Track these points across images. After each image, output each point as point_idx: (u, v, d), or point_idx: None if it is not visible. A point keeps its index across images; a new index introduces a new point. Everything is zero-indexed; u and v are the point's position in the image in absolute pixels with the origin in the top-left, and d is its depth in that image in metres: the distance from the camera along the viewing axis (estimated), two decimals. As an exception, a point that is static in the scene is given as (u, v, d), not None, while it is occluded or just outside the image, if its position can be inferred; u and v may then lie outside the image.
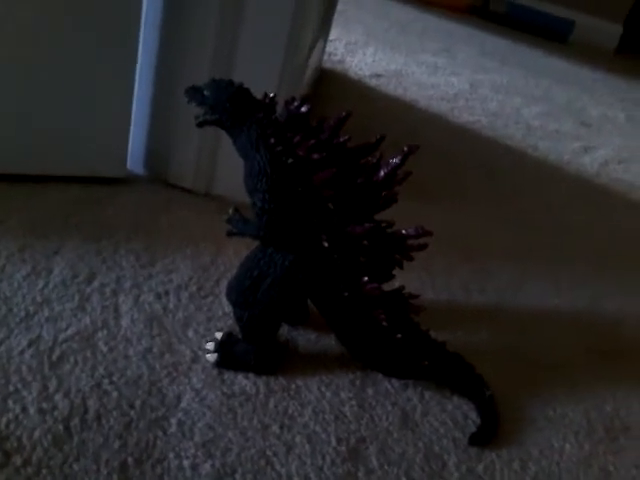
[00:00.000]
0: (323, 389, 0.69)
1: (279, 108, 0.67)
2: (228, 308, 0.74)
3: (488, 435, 0.68)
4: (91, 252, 0.79)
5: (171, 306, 0.75)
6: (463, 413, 0.71)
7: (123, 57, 0.87)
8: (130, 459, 0.56)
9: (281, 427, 0.64)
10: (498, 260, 1.02)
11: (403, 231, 0.66)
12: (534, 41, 2.61)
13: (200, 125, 0.68)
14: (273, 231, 0.64)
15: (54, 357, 0.64)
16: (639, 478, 0.68)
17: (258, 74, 0.90)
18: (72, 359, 0.65)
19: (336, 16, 1.67)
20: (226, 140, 0.69)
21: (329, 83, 1.60)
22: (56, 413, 0.59)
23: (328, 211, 0.64)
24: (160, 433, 0.60)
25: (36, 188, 0.87)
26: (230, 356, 0.68)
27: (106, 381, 0.63)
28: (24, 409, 0.58)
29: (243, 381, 0.68)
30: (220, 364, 0.68)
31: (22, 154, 0.88)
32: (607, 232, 1.22)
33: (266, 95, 0.67)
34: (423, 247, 0.66)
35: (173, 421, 0.61)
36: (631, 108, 2.07)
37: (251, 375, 0.68)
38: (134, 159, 0.98)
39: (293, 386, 0.69)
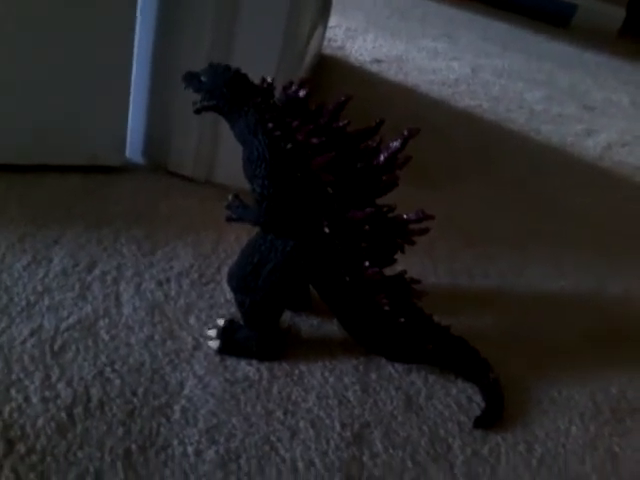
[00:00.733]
0: (326, 374, 0.69)
1: (277, 93, 0.66)
2: (230, 295, 0.73)
3: (493, 418, 0.68)
4: (91, 241, 0.79)
5: (172, 293, 0.74)
6: (467, 396, 0.71)
7: (120, 44, 0.86)
8: (134, 446, 0.56)
9: (285, 412, 0.63)
10: (501, 244, 1.02)
11: (404, 215, 0.66)
12: (536, 25, 2.58)
13: (198, 111, 0.67)
14: (273, 217, 0.64)
15: (56, 346, 0.64)
16: (645, 459, 0.67)
17: (257, 59, 0.89)
18: (74, 348, 0.64)
19: (336, 2, 1.65)
20: (226, 127, 0.68)
21: (329, 69, 1.58)
22: (59, 401, 0.59)
23: (328, 196, 0.64)
24: (163, 420, 0.60)
25: (35, 178, 0.87)
26: (232, 343, 0.68)
27: (108, 369, 0.63)
28: (27, 398, 0.58)
29: (246, 367, 0.67)
30: (222, 351, 0.68)
31: (20, 144, 0.88)
32: (610, 215, 1.22)
33: (264, 80, 0.66)
34: (425, 231, 0.66)
35: (176, 408, 0.61)
36: (635, 91, 2.06)
37: (254, 361, 0.68)
38: (133, 147, 0.98)
39: (296, 372, 0.68)
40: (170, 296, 0.74)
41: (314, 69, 1.50)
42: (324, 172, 0.63)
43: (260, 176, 0.63)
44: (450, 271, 0.92)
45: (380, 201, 0.66)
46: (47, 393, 0.59)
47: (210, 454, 0.57)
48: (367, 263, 0.65)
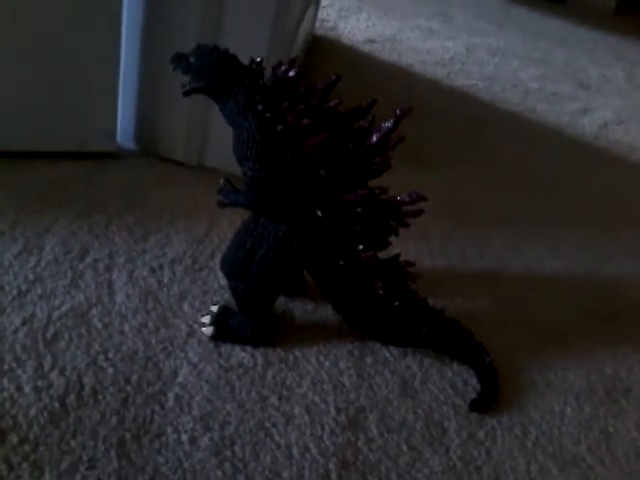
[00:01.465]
0: (321, 359, 0.69)
1: (267, 74, 0.65)
2: (223, 281, 0.73)
3: (488, 401, 0.67)
4: (83, 228, 0.78)
5: (166, 280, 0.74)
6: (463, 380, 0.70)
7: (107, 29, 0.85)
8: (128, 434, 0.56)
9: (279, 398, 0.63)
10: (496, 225, 1.01)
11: (397, 197, 0.65)
12: (531, 2, 2.55)
13: (187, 94, 0.66)
14: (264, 200, 0.63)
15: (48, 335, 0.64)
16: (640, 440, 0.67)
17: (247, 40, 0.88)
18: (67, 336, 0.64)
19: (328, -19, 1.63)
20: (216, 110, 0.67)
21: (322, 50, 1.56)
22: (52, 391, 0.58)
23: (320, 178, 0.63)
24: (157, 408, 0.59)
25: (25, 165, 0.86)
26: (226, 329, 0.68)
27: (101, 357, 0.63)
28: (19, 388, 0.58)
29: (240, 354, 0.67)
30: (216, 337, 0.67)
31: (9, 130, 0.86)
32: (607, 194, 1.21)
33: (253, 60, 0.65)
34: (418, 213, 0.65)
35: (170, 395, 0.61)
36: (631, 68, 2.04)
37: (248, 347, 0.68)
38: (124, 133, 0.97)
39: (291, 357, 0.68)
40: (163, 283, 0.73)
41: (307, 50, 1.48)
42: (316, 154, 0.62)
43: (250, 159, 0.62)
44: (445, 253, 0.91)
45: (373, 183, 0.65)
46: (40, 382, 0.59)
47: (204, 441, 0.57)
48: (361, 246, 0.65)
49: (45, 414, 0.56)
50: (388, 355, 0.71)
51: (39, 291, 0.68)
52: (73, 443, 0.54)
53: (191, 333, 0.68)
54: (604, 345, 0.80)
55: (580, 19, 2.48)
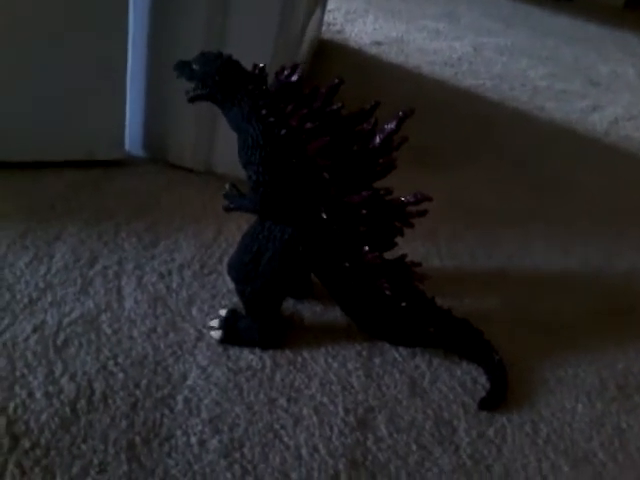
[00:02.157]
0: (330, 360, 0.69)
1: (271, 79, 0.66)
2: (232, 285, 0.73)
3: (498, 399, 0.67)
4: (92, 236, 0.79)
5: (174, 285, 0.74)
6: (472, 378, 0.70)
7: (113, 35, 0.86)
8: (138, 438, 0.57)
9: (288, 400, 0.63)
10: (505, 224, 1.01)
11: (402, 198, 0.65)
12: (539, 0, 2.54)
13: (191, 100, 0.67)
14: (270, 204, 0.63)
15: (59, 341, 0.64)
16: (653, 436, 0.67)
17: (252, 47, 0.89)
18: (77, 342, 0.65)
19: (333, -15, 1.64)
20: (223, 117, 0.68)
21: (329, 54, 1.57)
22: (62, 396, 0.59)
23: (324, 181, 0.63)
24: (167, 411, 0.60)
25: (35, 174, 0.87)
26: (235, 332, 0.68)
27: (111, 362, 0.63)
28: (30, 394, 0.59)
29: (249, 356, 0.67)
30: (225, 341, 0.68)
31: (19, 141, 0.88)
32: (617, 191, 1.20)
33: (256, 66, 0.65)
34: (423, 213, 0.65)
35: (179, 399, 0.61)
36: (641, 64, 2.02)
37: (257, 350, 0.68)
38: (133, 141, 0.98)
39: (299, 359, 0.68)
40: (172, 288, 0.74)
41: (313, 54, 1.48)
42: (320, 157, 0.62)
43: (255, 163, 0.62)
44: (454, 253, 0.91)
45: (379, 184, 0.65)
46: (50, 388, 0.59)
47: (214, 443, 0.58)
48: (367, 248, 0.65)
49: (56, 419, 0.57)
50: (397, 355, 0.71)
51: (49, 298, 0.69)
52: (84, 447, 0.55)
53: (200, 337, 0.68)
54: (615, 341, 0.79)
55: (589, 16, 2.46)
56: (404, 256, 0.68)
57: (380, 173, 0.66)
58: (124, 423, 0.58)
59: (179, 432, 0.58)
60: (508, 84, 1.61)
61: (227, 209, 0.67)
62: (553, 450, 0.63)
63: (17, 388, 0.59)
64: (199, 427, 0.59)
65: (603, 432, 0.66)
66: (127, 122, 0.94)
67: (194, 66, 0.65)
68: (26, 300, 0.68)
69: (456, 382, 0.69)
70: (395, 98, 1.44)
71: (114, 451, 0.55)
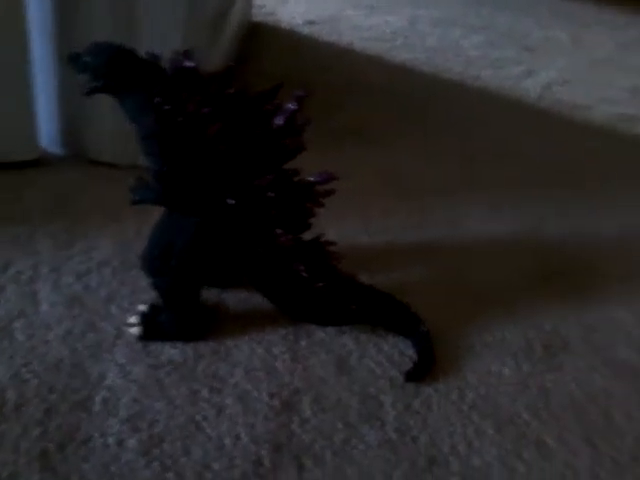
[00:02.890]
0: (254, 347, 0.68)
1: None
2: (151, 279, 0.72)
3: (424, 370, 0.67)
4: (5, 240, 0.77)
5: (93, 284, 0.73)
6: (400, 351, 0.70)
7: (11, 30, 0.83)
8: (51, 445, 0.55)
9: (210, 391, 0.63)
10: (437, 196, 1.01)
11: (310, 178, 0.64)
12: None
13: (88, 94, 0.65)
14: (173, 195, 0.62)
15: (-31, 352, 0.62)
16: (577, 393, 0.67)
17: (162, 33, 0.87)
18: (-12, 352, 0.63)
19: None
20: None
21: (260, 36, 1.55)
22: (-28, 408, 0.57)
23: (228, 166, 0.62)
24: (84, 414, 0.58)
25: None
26: (154, 327, 0.67)
27: (24, 370, 0.61)
28: (-62, 409, 0.57)
29: (170, 351, 0.66)
30: (145, 336, 0.66)
31: None
32: (551, 155, 1.21)
33: (149, 53, 0.64)
34: (330, 193, 0.64)
35: (97, 400, 0.60)
36: (575, 29, 2.03)
37: (179, 344, 0.67)
38: (50, 138, 0.95)
39: (222, 348, 0.67)
40: (90, 287, 0.72)
41: (244, 38, 1.46)
42: (219, 142, 0.61)
43: (153, 153, 0.61)
44: (385, 229, 0.91)
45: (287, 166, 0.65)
46: (-41, 401, 0.58)
47: (132, 442, 0.56)
48: (279, 231, 0.64)
49: (-35, 433, 0.55)
50: (324, 335, 0.71)
51: (-40, 309, 0.67)
52: (-6, 459, 0.54)
53: (119, 335, 0.67)
54: (544, 304, 0.80)
55: (523, -18, 2.47)
56: (320, 236, 0.67)
57: (288, 155, 0.65)
58: (37, 431, 0.56)
59: (97, 434, 0.57)
60: (442, 56, 1.61)
61: (133, 202, 0.65)
62: (478, 415, 0.64)
63: None
64: (117, 427, 0.58)
65: (528, 393, 0.67)
66: (41, 120, 0.91)
67: (85, 58, 0.63)
68: None
69: (383, 357, 0.69)
70: (329, 77, 1.43)
71: (25, 461, 0.53)
